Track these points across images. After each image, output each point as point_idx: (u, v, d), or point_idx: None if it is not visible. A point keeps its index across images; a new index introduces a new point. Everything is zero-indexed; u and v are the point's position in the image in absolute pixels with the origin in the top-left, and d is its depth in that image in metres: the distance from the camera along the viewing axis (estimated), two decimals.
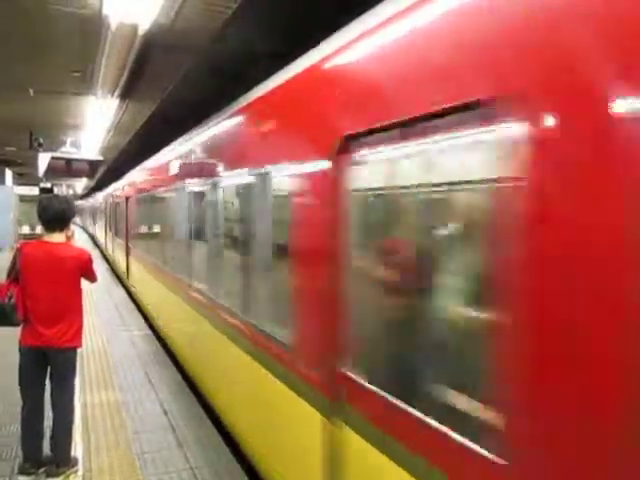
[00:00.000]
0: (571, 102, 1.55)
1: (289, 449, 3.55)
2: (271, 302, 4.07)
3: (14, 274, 4.25)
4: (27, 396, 4.29)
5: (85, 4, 5.16)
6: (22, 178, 25.76)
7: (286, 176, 3.52)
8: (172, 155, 7.77)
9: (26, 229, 30.82)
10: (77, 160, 13.30)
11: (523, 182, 1.68)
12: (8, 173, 22.41)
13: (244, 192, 4.62)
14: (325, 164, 2.95)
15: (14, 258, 4.33)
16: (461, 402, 2.07)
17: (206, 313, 5.57)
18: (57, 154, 13.12)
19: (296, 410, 3.30)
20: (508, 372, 1.74)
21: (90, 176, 16.17)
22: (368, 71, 2.71)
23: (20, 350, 4.26)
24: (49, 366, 4.29)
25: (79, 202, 56.69)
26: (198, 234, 6.26)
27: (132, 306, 11.84)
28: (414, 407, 2.24)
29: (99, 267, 17.52)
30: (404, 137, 2.34)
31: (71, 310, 4.30)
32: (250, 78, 4.74)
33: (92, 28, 5.67)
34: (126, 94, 8.60)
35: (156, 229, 9.46)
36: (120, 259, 15.69)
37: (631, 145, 1.41)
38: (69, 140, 13.88)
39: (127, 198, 13.30)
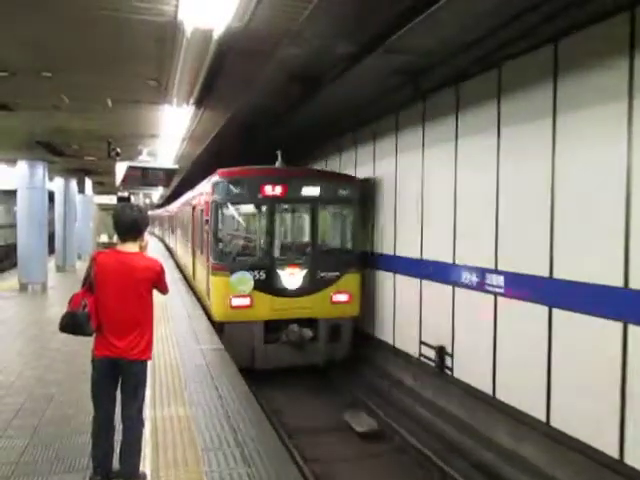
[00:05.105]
0: None
1: None
2: None
3: (88, 283, 4.22)
4: (99, 407, 4.24)
5: (161, 11, 5.10)
6: (100, 187, 26.73)
7: None
8: None
9: (104, 238, 32.09)
10: (153, 169, 13.57)
11: None
12: (88, 182, 23.26)
13: None
14: None
15: (89, 267, 4.29)
16: None
17: None
18: (134, 163, 13.43)
19: None
20: None
21: (166, 185, 16.53)
22: None
23: (93, 361, 4.21)
24: (120, 378, 4.22)
25: (157, 211, 56.00)
26: None
27: (205, 320, 11.57)
28: None
29: (172, 275, 17.86)
30: None
31: (142, 321, 4.20)
32: (328, 81, 4.62)
33: (167, 35, 5.63)
34: (201, 102, 8.60)
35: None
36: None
37: None
38: (146, 150, 14.16)
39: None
